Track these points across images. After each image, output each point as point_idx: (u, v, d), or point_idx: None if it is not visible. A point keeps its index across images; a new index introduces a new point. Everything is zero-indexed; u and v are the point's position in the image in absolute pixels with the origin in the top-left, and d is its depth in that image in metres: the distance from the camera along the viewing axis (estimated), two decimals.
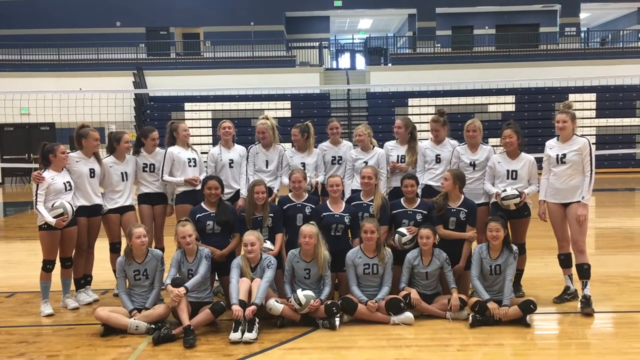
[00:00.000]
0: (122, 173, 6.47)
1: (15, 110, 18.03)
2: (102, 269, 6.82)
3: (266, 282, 5.47)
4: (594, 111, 23.83)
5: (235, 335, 5.13)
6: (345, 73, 27.19)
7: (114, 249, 6.53)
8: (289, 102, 23.94)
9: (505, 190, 6.07)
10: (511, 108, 23.90)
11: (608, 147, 20.93)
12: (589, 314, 5.69)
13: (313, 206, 6.21)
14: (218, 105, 23.01)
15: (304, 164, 6.78)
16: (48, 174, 5.99)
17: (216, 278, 6.21)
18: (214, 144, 7.14)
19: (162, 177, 6.60)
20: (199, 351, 4.98)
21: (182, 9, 27.45)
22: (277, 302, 5.43)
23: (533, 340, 5.20)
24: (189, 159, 6.68)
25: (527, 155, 6.27)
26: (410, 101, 24.01)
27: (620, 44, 29.59)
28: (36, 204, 5.91)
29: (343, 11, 29.40)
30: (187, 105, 23.96)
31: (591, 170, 5.89)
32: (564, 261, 6.16)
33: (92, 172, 6.28)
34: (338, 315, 5.47)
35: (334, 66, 32.74)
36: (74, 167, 6.22)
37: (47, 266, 6.05)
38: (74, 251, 6.26)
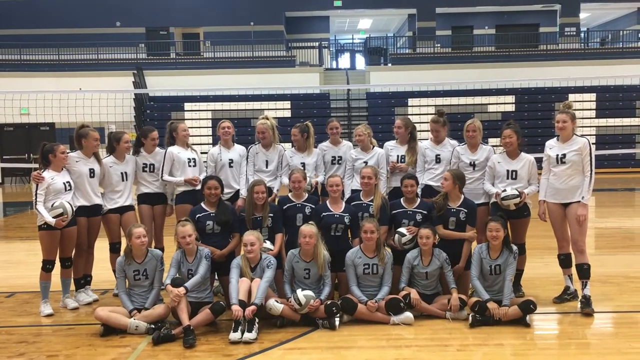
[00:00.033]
0: (121, 173, 6.47)
1: (15, 110, 18.05)
2: (102, 269, 6.82)
3: (266, 282, 5.46)
4: (594, 111, 23.85)
5: (235, 335, 5.13)
6: (345, 73, 27.21)
7: (114, 249, 6.53)
8: (289, 102, 23.94)
9: (505, 190, 6.07)
10: (511, 108, 23.91)
11: (608, 147, 20.94)
12: (588, 314, 5.69)
13: (313, 206, 6.21)
14: (218, 105, 23.01)
15: (303, 164, 6.77)
16: (48, 174, 5.99)
17: (216, 278, 6.21)
18: (214, 144, 7.14)
19: (161, 176, 6.60)
20: (198, 351, 4.98)
21: (182, 9, 27.45)
22: (277, 302, 5.43)
23: (533, 340, 5.20)
24: (188, 158, 6.68)
25: (527, 155, 6.27)
26: (410, 101, 24.02)
27: (620, 44, 29.60)
28: (36, 204, 5.91)
29: (343, 11, 29.41)
30: (187, 105, 23.97)
31: (591, 170, 5.89)
32: (564, 261, 6.16)
33: (91, 172, 6.28)
34: (338, 315, 5.47)
35: (334, 66, 32.74)
36: (73, 167, 6.22)
37: (47, 266, 6.05)
38: (73, 251, 6.26)
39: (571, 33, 27.95)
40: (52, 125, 22.97)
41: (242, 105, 22.90)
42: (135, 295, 5.67)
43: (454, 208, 6.02)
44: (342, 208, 6.11)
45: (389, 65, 28.26)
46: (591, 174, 5.89)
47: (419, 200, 6.22)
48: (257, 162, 6.84)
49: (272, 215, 6.09)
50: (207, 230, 5.99)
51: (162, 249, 6.55)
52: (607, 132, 23.20)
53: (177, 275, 5.64)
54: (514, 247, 5.76)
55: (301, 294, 5.45)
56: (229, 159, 6.77)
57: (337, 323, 5.42)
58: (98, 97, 18.52)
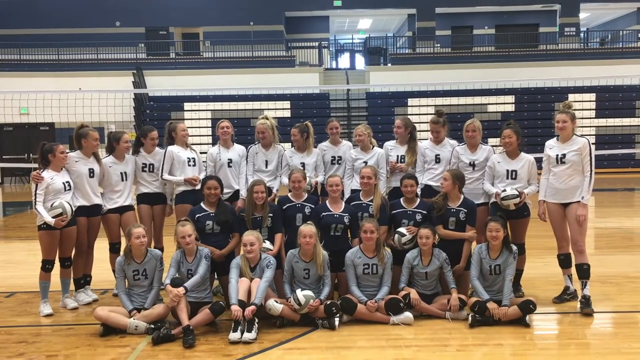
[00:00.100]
0: (121, 173, 6.47)
1: (14, 110, 18.07)
2: (102, 269, 6.81)
3: (265, 282, 5.46)
4: (594, 111, 23.85)
5: (234, 335, 5.13)
6: (345, 73, 27.21)
7: (114, 249, 6.52)
8: (289, 102, 23.94)
9: (505, 190, 6.07)
10: (511, 108, 23.92)
11: (607, 147, 20.93)
12: (588, 314, 5.69)
13: (312, 206, 6.21)
14: (217, 105, 22.99)
15: (303, 164, 6.77)
16: (47, 174, 5.99)
17: (215, 278, 6.21)
18: (214, 144, 7.14)
19: (161, 175, 6.60)
20: (198, 351, 4.98)
21: (182, 9, 27.46)
22: (277, 302, 5.43)
23: (532, 341, 5.19)
24: (188, 158, 6.68)
25: (526, 155, 6.27)
26: (410, 101, 24.02)
27: (620, 44, 29.60)
28: (35, 204, 5.91)
29: (343, 11, 29.40)
30: (187, 105, 23.97)
31: (591, 171, 5.89)
32: (564, 261, 6.16)
33: (91, 172, 6.28)
34: (337, 315, 5.47)
35: (334, 66, 32.73)
36: (73, 167, 6.21)
37: (47, 266, 6.04)
38: (73, 251, 6.26)
39: (571, 33, 27.95)
40: (51, 125, 22.98)
41: (241, 105, 22.89)
42: (135, 295, 5.67)
43: (454, 208, 6.02)
44: (342, 208, 6.11)
45: (389, 65, 28.28)
46: (591, 174, 5.89)
47: (418, 200, 6.22)
48: (257, 162, 6.84)
49: (271, 215, 6.09)
50: (207, 230, 5.99)
51: (162, 249, 6.55)
52: (607, 132, 23.19)
53: (177, 275, 5.64)
54: (514, 247, 5.75)
55: (301, 294, 5.44)
56: (228, 159, 6.76)
57: (336, 323, 5.42)
58: (98, 97, 18.52)
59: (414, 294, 5.66)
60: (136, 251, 5.66)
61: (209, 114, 23.34)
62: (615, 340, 5.16)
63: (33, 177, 5.99)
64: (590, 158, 5.89)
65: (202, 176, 6.59)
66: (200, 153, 6.97)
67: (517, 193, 6.01)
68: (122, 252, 5.82)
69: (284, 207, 6.22)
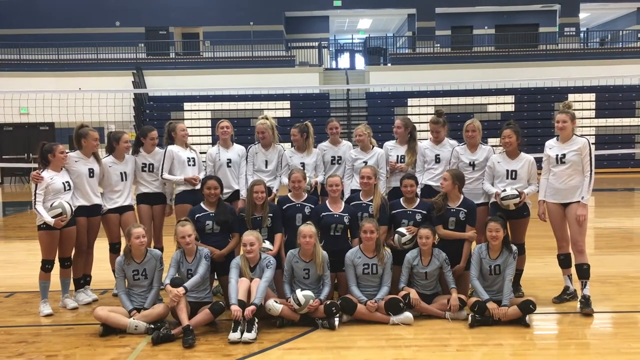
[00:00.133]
0: (121, 173, 6.47)
1: (14, 110, 18.06)
2: (102, 269, 6.81)
3: (265, 282, 5.46)
4: (594, 111, 23.85)
5: (234, 335, 5.13)
6: (345, 73, 27.22)
7: (114, 249, 6.52)
8: (289, 102, 23.94)
9: (504, 190, 6.06)
10: (510, 108, 23.93)
11: (607, 147, 20.93)
12: (588, 314, 5.69)
13: (312, 206, 6.21)
14: (217, 105, 23.00)
15: (303, 164, 6.77)
16: (47, 174, 5.99)
17: (215, 278, 6.20)
18: (214, 143, 7.14)
19: (161, 174, 6.59)
20: (198, 351, 4.98)
21: (182, 9, 27.46)
22: (276, 302, 5.42)
23: (532, 341, 5.19)
24: (188, 158, 6.68)
25: (526, 155, 6.27)
26: (410, 101, 24.02)
27: (620, 44, 29.61)
28: (35, 204, 5.91)
29: (342, 11, 29.40)
30: (187, 105, 23.97)
31: (591, 171, 5.89)
32: (564, 261, 6.16)
33: (91, 172, 6.28)
34: (337, 315, 5.47)
35: (334, 66, 32.74)
36: (73, 167, 6.21)
37: (46, 266, 6.04)
38: (73, 251, 6.26)
39: (571, 33, 27.96)
40: (51, 125, 22.98)
41: (241, 105, 22.89)
42: (135, 295, 5.67)
43: (454, 208, 6.01)
44: (342, 208, 6.11)
45: (389, 65, 28.28)
46: (591, 174, 5.89)
47: (418, 200, 6.22)
48: (257, 162, 6.84)
49: (271, 215, 6.09)
50: (207, 230, 5.99)
51: (162, 249, 6.55)
52: (607, 132, 23.19)
53: (177, 275, 5.64)
54: (514, 247, 5.75)
55: (300, 294, 5.44)
56: (227, 159, 6.76)
57: (336, 323, 5.42)
58: (97, 97, 18.53)
59: (413, 294, 5.66)
60: (136, 251, 5.66)
61: (208, 114, 23.34)
62: (615, 340, 5.16)
63: (33, 177, 5.99)
64: (590, 158, 5.89)
65: (201, 176, 6.59)
66: (200, 153, 6.97)
67: (517, 193, 6.01)
68: (122, 252, 5.81)
69: (284, 207, 6.22)
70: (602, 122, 23.55)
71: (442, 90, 23.78)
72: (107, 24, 26.88)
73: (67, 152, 6.18)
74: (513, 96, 24.11)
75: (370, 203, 6.15)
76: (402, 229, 6.00)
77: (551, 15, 29.22)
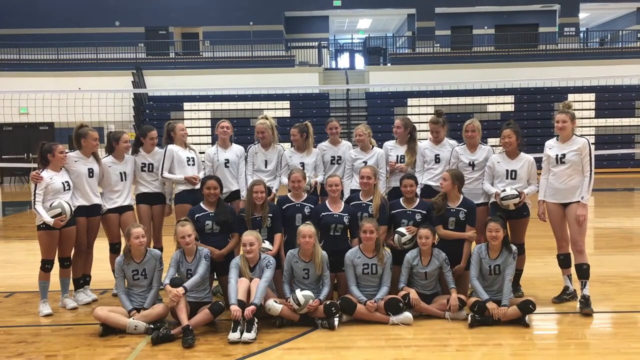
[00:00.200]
0: (120, 173, 6.46)
1: (14, 110, 18.05)
2: (101, 269, 6.81)
3: (265, 282, 5.46)
4: (593, 111, 23.86)
5: (234, 335, 5.12)
6: (345, 73, 27.24)
7: (114, 249, 6.52)
8: (288, 102, 23.94)
9: (504, 190, 6.06)
10: (510, 108, 23.94)
11: (607, 147, 20.94)
12: (587, 314, 5.69)
13: (312, 206, 6.21)
14: (217, 105, 23.00)
15: (303, 164, 6.77)
16: (46, 174, 5.98)
17: (215, 278, 6.20)
18: (213, 143, 7.14)
19: (161, 173, 6.59)
20: (197, 351, 4.98)
21: (181, 9, 27.46)
22: (276, 302, 5.42)
23: (532, 341, 5.19)
24: (187, 157, 6.68)
25: (526, 155, 6.27)
26: (410, 101, 24.03)
27: (619, 44, 29.62)
28: (34, 204, 5.90)
29: (342, 11, 29.42)
30: (186, 105, 23.98)
31: (590, 171, 5.89)
32: (563, 261, 6.16)
33: (90, 172, 6.27)
34: (337, 315, 5.47)
35: (333, 66, 32.75)
36: (72, 167, 6.21)
37: (46, 266, 6.04)
38: (72, 251, 6.25)
39: (570, 33, 27.97)
40: (51, 125, 22.97)
41: (241, 105, 22.89)
42: (134, 295, 5.67)
43: (454, 208, 6.01)
44: (342, 208, 6.11)
45: (388, 65, 28.29)
46: (591, 174, 5.89)
47: (418, 200, 6.22)
48: (257, 162, 6.84)
49: (271, 215, 6.09)
50: (206, 230, 5.98)
51: (161, 249, 6.55)
52: (607, 132, 23.20)
53: (176, 275, 5.64)
54: (514, 247, 5.75)
55: (300, 294, 5.44)
56: (225, 159, 6.75)
57: (336, 323, 5.42)
58: (97, 97, 18.51)
59: (413, 294, 5.66)
60: (135, 251, 5.66)
61: (208, 113, 23.35)
62: (614, 340, 5.16)
63: (32, 177, 5.99)
64: (590, 158, 5.89)
65: (201, 176, 6.59)
66: (200, 153, 6.97)
67: (516, 193, 6.01)
68: (121, 252, 5.81)
69: (284, 207, 6.22)
70: (601, 122, 23.56)
71: (442, 90, 23.79)
72: (106, 24, 26.88)
73: (66, 152, 6.18)
74: (513, 96, 24.12)
75: (370, 203, 6.15)
76: (401, 229, 6.00)
77: (551, 15, 29.23)
